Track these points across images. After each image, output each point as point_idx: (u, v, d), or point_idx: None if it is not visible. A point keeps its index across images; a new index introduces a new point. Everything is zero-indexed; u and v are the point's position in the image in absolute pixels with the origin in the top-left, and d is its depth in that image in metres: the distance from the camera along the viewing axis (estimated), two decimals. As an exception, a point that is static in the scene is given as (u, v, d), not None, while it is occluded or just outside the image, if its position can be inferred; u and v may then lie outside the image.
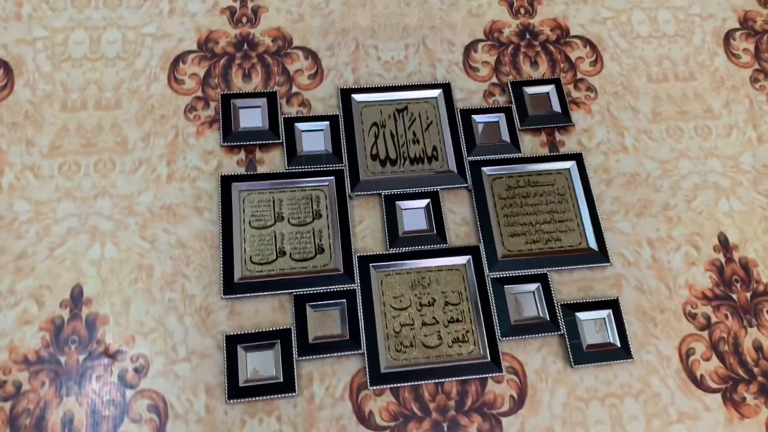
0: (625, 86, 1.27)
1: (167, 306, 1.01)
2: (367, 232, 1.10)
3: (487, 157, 1.16)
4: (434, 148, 1.16)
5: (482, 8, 1.32)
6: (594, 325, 1.05)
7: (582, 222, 1.12)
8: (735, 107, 1.26)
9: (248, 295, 1.02)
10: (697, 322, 1.08)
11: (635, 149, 1.21)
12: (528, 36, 1.30)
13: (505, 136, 1.18)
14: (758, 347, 1.07)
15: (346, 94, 1.19)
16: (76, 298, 1.00)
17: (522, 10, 1.33)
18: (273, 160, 1.14)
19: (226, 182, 1.09)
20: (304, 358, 0.99)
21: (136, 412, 0.95)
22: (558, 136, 1.21)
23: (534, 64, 1.27)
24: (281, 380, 0.97)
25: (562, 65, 1.28)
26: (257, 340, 0.99)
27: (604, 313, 1.05)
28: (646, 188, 1.18)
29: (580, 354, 1.02)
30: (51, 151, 1.10)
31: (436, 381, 1.00)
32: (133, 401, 0.95)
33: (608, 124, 1.22)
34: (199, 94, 1.18)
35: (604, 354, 1.03)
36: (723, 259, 1.13)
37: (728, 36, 1.34)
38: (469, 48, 1.28)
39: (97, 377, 0.96)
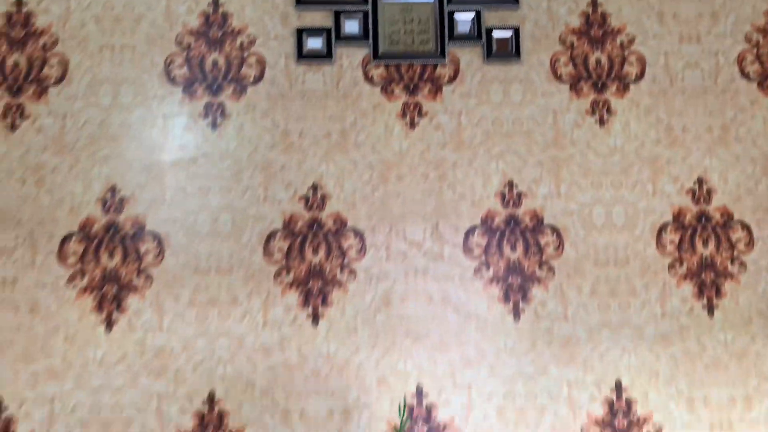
0: None
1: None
2: (378, -19, 1.87)
3: (456, -60, 1.89)
4: None
5: None
6: (502, 41, 1.83)
7: (507, -17, 1.87)
8: None
9: (309, 5, 1.83)
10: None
11: None
12: None
13: None
14: (598, 60, 1.85)
15: None
16: (216, 3, 1.83)
17: None
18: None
19: (298, -55, 1.86)
20: (338, 43, 1.82)
21: (248, 64, 1.81)
22: None
23: None
24: (325, 54, 1.81)
25: None
26: (313, 34, 1.82)
27: (509, 33, 1.83)
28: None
29: (491, 55, 1.82)
30: None
31: (408, 63, 1.82)
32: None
33: None
34: None
35: (506, 55, 1.83)
36: (591, 13, 1.88)
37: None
38: None
39: (229, 44, 1.81)
